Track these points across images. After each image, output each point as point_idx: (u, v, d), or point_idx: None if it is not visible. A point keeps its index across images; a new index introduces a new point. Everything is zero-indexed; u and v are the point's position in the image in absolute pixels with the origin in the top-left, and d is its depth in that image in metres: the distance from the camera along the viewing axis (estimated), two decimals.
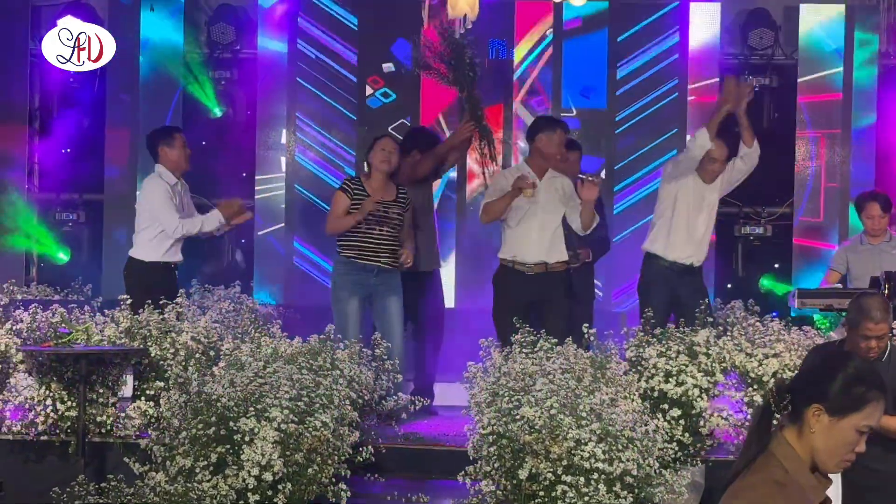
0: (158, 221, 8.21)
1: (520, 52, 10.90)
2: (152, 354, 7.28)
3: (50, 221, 11.47)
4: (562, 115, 10.45)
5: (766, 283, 10.49)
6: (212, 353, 7.31)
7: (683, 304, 7.89)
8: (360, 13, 11.01)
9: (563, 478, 5.81)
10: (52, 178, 11.59)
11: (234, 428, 6.04)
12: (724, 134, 8.14)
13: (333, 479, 6.24)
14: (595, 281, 9.24)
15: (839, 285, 8.86)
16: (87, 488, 6.35)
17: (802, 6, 10.86)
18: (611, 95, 10.94)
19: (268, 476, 5.95)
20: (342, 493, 6.23)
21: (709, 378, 6.85)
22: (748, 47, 11.00)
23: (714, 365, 6.92)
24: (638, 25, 10.91)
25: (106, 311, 7.70)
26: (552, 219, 8.16)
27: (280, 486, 6.01)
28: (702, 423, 6.88)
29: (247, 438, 6.00)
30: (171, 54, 11.13)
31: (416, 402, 7.36)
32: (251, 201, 10.85)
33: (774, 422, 3.18)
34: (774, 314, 7.83)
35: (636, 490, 5.90)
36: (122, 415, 7.27)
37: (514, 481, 5.94)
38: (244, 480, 5.93)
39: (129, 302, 7.61)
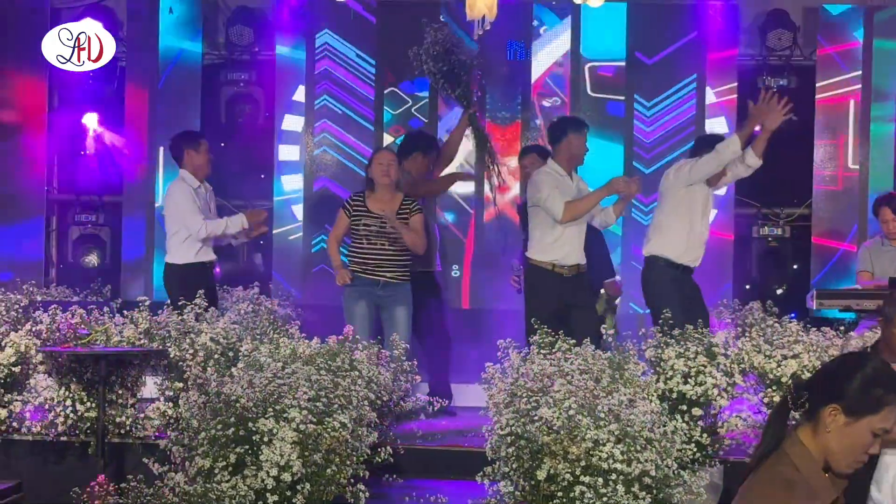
0: (183, 224, 8.31)
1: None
2: (171, 355, 7.30)
3: (69, 223, 11.54)
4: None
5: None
6: (230, 353, 7.33)
7: (688, 300, 7.94)
8: (379, 13, 11.04)
9: (582, 478, 5.79)
10: (71, 179, 11.64)
11: (253, 428, 6.04)
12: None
13: (352, 480, 6.24)
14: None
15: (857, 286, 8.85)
16: (107, 488, 6.37)
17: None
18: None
19: (286, 477, 5.95)
20: (361, 493, 6.23)
21: (727, 379, 6.84)
22: (766, 48, 10.99)
23: (733, 366, 6.91)
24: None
25: (125, 312, 7.73)
26: (584, 219, 8.23)
27: (299, 487, 6.02)
28: (720, 423, 6.87)
29: (265, 439, 6.00)
30: (190, 56, 11.17)
31: (435, 403, 7.38)
32: (269, 202, 10.89)
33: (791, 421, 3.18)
34: (793, 315, 7.81)
35: (654, 491, 5.88)
36: (142, 415, 7.29)
37: (532, 482, 5.94)
38: (263, 481, 5.94)
39: (169, 306, 7.67)
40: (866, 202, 10.40)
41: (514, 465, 6.03)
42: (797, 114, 11.00)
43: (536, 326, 7.02)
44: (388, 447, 6.57)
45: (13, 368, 7.34)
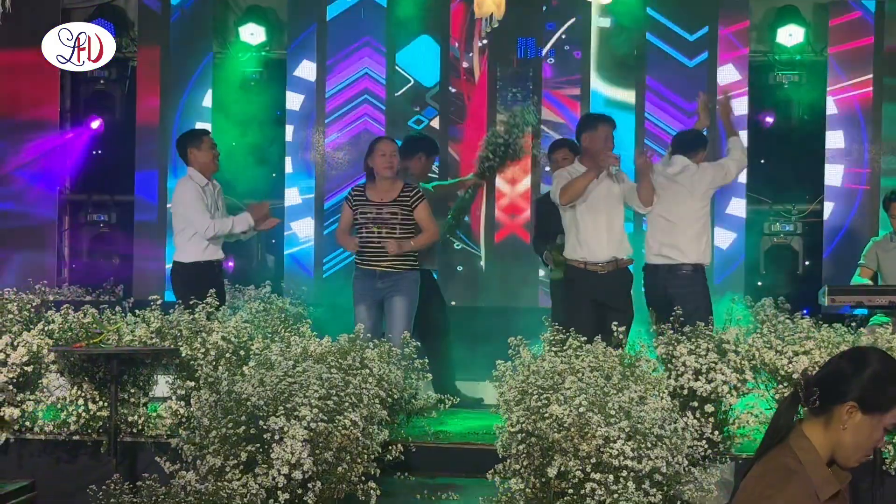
0: (190, 223, 8.31)
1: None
2: (183, 354, 7.32)
3: (82, 222, 11.57)
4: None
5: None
6: (242, 352, 7.34)
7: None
8: (389, 9, 11.07)
9: (592, 475, 5.80)
10: (83, 179, 11.68)
11: (264, 427, 6.06)
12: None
13: (363, 478, 6.25)
14: None
15: (869, 282, 8.82)
16: (121, 487, 6.39)
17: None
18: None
19: (297, 475, 5.97)
20: (372, 491, 6.24)
21: (738, 375, 6.83)
22: (778, 45, 10.97)
23: (743, 362, 6.90)
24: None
25: (137, 311, 7.74)
26: (617, 213, 8.15)
27: (310, 485, 6.03)
28: (731, 420, 6.86)
29: (276, 437, 6.02)
30: (201, 55, 11.21)
31: (445, 400, 7.38)
32: (281, 201, 10.90)
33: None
34: (805, 311, 7.79)
35: (665, 488, 5.88)
36: (154, 414, 7.31)
37: (543, 479, 5.94)
38: (274, 479, 5.95)
39: (180, 305, 7.66)
40: (877, 198, 10.38)
41: (524, 463, 6.03)
42: (808, 110, 11.03)
43: (547, 325, 7.02)
44: (399, 445, 6.58)
45: (26, 368, 7.36)
